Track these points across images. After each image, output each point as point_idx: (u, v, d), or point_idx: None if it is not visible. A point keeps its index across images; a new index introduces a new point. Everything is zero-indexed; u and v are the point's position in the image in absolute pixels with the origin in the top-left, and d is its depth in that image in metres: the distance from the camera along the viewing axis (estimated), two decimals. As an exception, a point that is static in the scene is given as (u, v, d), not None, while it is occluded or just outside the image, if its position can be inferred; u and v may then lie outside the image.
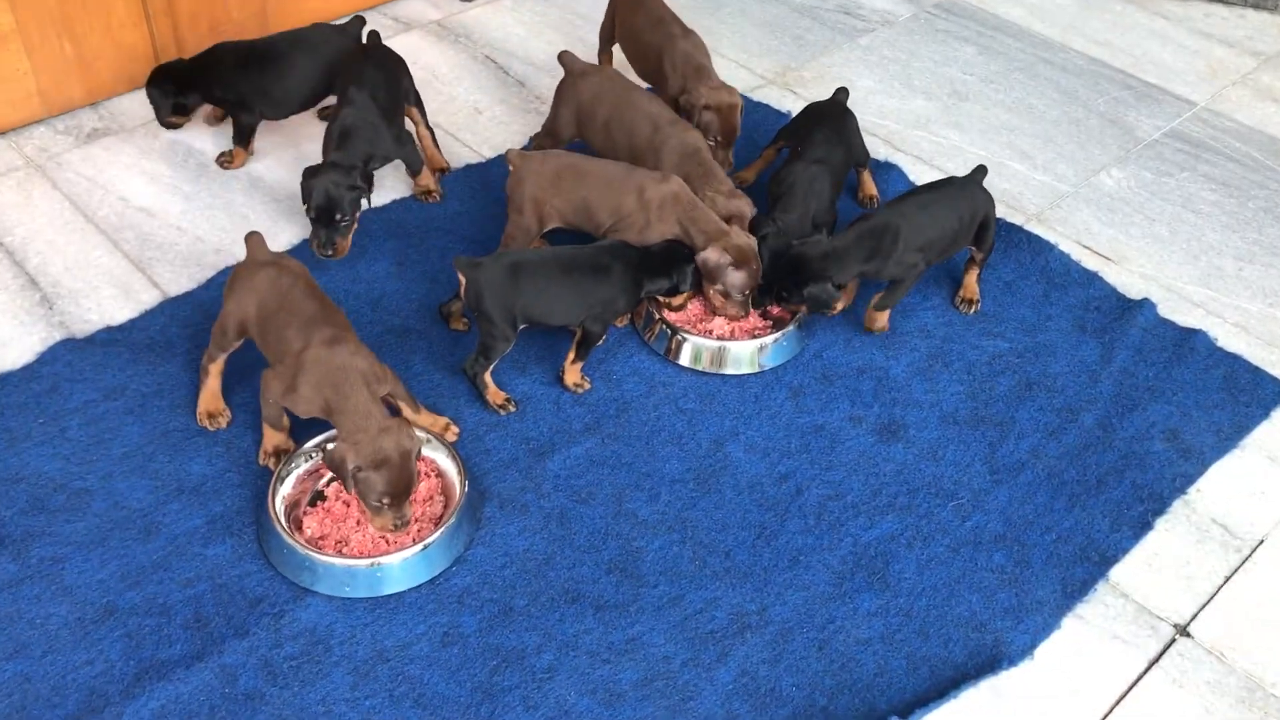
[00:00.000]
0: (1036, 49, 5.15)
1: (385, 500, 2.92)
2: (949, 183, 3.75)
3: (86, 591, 2.93)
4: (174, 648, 2.82)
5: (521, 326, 3.37)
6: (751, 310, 3.61)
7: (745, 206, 3.66)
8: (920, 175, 4.39)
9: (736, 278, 3.46)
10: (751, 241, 3.50)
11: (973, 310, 3.80)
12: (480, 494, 3.19)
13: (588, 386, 3.51)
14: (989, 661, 2.89)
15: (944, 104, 4.79)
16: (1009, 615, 2.99)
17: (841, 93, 4.16)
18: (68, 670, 2.77)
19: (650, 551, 3.09)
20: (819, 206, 3.75)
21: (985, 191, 3.76)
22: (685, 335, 3.60)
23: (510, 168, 3.67)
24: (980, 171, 3.81)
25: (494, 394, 3.42)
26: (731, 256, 3.43)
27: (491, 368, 3.39)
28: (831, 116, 4.02)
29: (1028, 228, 4.16)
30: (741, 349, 3.59)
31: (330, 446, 3.01)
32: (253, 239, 3.34)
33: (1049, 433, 3.45)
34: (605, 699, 2.78)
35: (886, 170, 4.38)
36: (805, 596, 3.01)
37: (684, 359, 3.61)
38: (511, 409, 3.41)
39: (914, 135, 4.63)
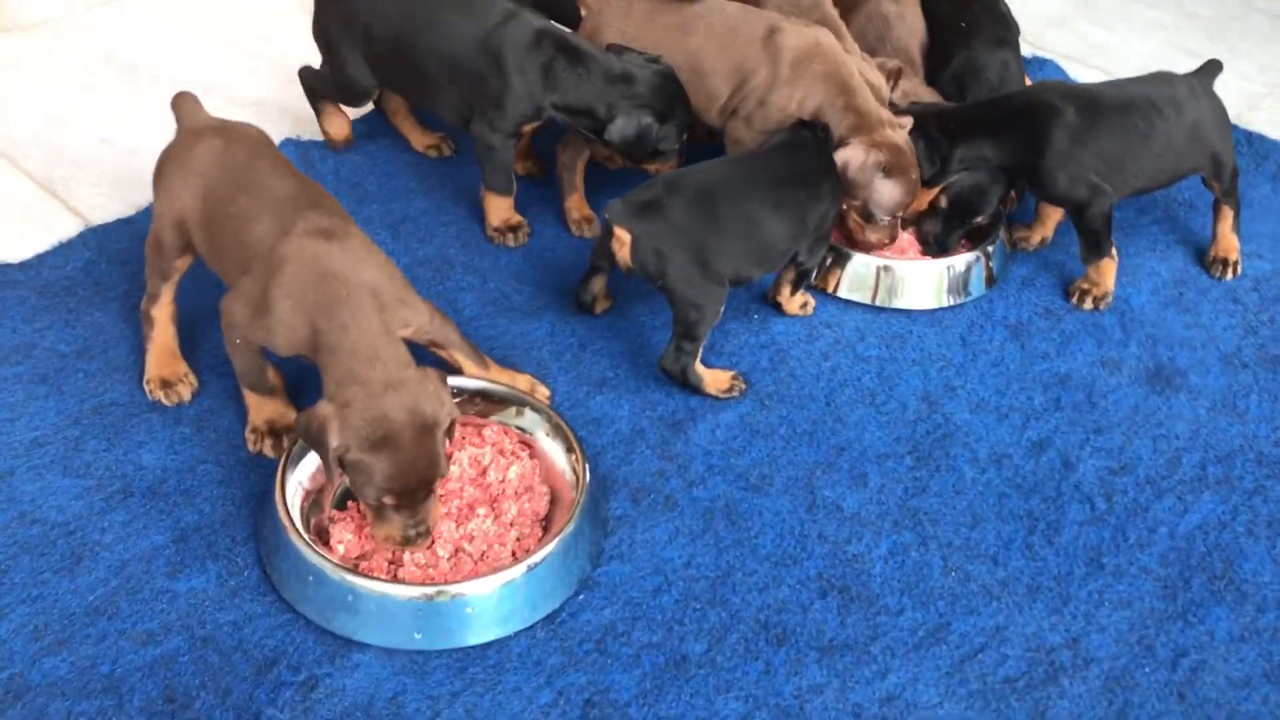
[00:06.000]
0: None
1: (388, 499, 1.80)
2: (1161, 78, 2.67)
3: (-24, 660, 1.75)
4: (131, 751, 1.66)
5: None
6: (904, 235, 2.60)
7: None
8: (1080, 76, 3.42)
9: (886, 191, 2.42)
10: (906, 139, 2.45)
11: (1230, 275, 2.68)
12: (601, 483, 2.08)
13: (814, 304, 2.53)
14: None
15: (1076, 1, 3.83)
16: None
17: None
18: (-57, 801, 1.59)
19: (877, 560, 2.01)
20: None
21: (1216, 100, 2.67)
22: (844, 253, 2.55)
23: (583, 11, 2.60)
24: (1211, 70, 2.72)
25: (715, 380, 2.29)
26: (884, 156, 2.39)
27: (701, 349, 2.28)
28: None
29: (1239, 124, 3.20)
30: (924, 274, 2.55)
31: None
32: (181, 101, 2.27)
33: (1372, 375, 2.46)
34: (867, 800, 1.68)
35: (1039, 66, 3.40)
36: (1128, 617, 1.95)
37: (842, 289, 2.56)
38: (744, 386, 2.31)
39: (1052, 35, 3.66)
